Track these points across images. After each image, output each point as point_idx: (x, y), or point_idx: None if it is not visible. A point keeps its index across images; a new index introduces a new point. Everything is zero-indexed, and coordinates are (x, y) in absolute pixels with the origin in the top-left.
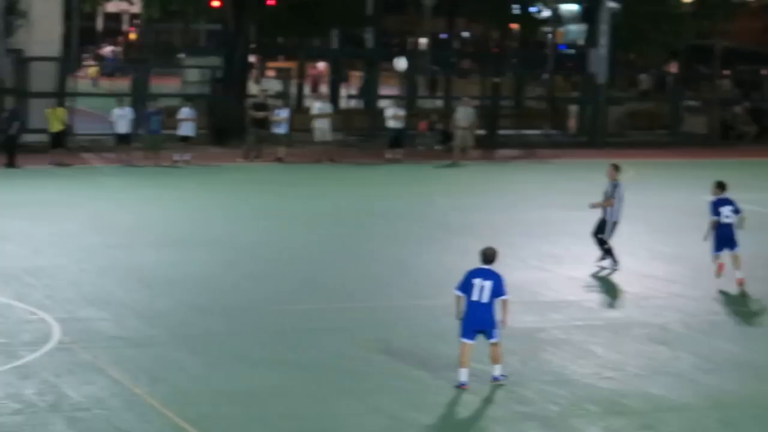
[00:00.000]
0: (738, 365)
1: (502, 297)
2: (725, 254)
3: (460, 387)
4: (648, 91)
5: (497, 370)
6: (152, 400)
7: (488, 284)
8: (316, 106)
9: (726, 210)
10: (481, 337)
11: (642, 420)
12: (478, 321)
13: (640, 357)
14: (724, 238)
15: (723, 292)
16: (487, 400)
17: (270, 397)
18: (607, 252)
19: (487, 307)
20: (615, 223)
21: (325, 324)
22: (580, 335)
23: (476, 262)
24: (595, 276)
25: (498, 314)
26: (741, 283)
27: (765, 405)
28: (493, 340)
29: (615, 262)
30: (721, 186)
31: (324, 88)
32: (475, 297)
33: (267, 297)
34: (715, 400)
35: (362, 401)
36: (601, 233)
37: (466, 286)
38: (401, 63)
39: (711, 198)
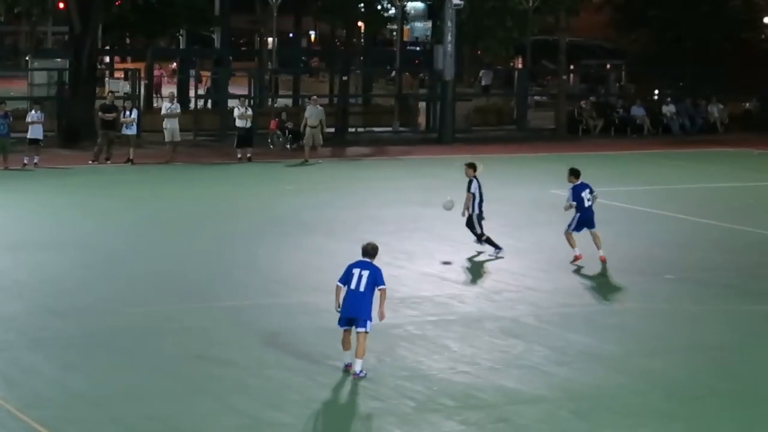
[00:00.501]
0: (590, 357)
1: (380, 286)
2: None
3: (346, 367)
4: (488, 87)
5: (358, 366)
6: (8, 404)
7: (366, 273)
8: (165, 107)
9: (586, 194)
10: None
11: (497, 413)
12: (352, 308)
13: (493, 351)
14: (585, 219)
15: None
16: (344, 397)
17: (128, 398)
18: (486, 242)
19: (363, 296)
20: (478, 215)
21: (181, 324)
22: (434, 330)
23: (326, 260)
24: (447, 270)
25: (375, 306)
26: (603, 260)
27: (617, 396)
28: (360, 330)
29: (497, 248)
30: (575, 173)
31: (171, 89)
32: (353, 286)
33: (122, 299)
34: (569, 391)
35: (220, 401)
36: (472, 227)
37: (346, 277)
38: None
39: (569, 185)
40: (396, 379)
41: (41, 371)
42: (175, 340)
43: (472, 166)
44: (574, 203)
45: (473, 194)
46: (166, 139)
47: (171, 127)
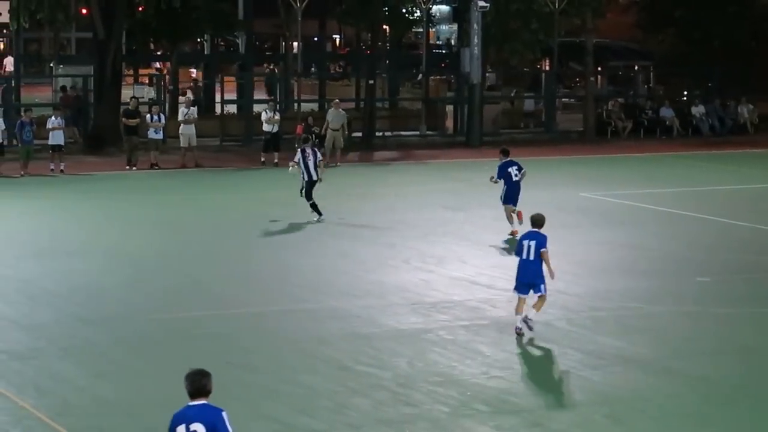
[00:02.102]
0: (623, 360)
1: (541, 249)
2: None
3: (517, 331)
4: (493, 88)
5: (532, 313)
6: (38, 412)
7: (533, 243)
8: (182, 112)
9: (513, 170)
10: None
11: (532, 418)
12: (528, 276)
13: (527, 355)
14: (513, 193)
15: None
16: (376, 403)
17: (158, 406)
18: (313, 207)
19: (534, 264)
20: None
21: (209, 331)
22: (466, 335)
23: (355, 264)
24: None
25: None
26: (515, 234)
27: (651, 399)
28: (538, 293)
29: (319, 215)
30: (504, 152)
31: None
32: (524, 256)
33: (150, 305)
34: (603, 395)
35: (250, 407)
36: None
37: (519, 249)
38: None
39: (499, 162)
40: (429, 385)
41: (71, 379)
42: (204, 346)
43: None
44: (500, 179)
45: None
46: (182, 144)
47: (188, 132)
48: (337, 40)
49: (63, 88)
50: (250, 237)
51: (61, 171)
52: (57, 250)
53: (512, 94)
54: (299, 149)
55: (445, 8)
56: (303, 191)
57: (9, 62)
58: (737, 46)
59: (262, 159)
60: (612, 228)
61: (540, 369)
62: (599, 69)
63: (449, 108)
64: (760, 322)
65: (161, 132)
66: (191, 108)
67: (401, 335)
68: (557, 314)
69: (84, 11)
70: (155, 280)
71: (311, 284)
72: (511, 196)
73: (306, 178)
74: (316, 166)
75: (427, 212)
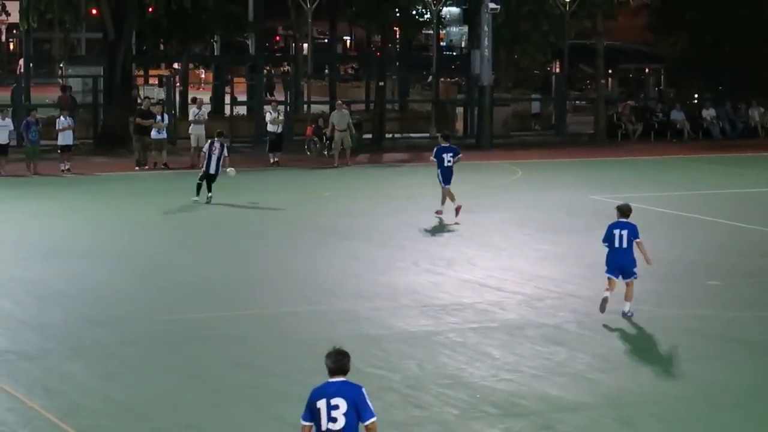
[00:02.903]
0: (633, 364)
1: (636, 239)
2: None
3: (603, 302)
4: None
5: (627, 307)
6: (48, 413)
7: (625, 232)
8: (192, 112)
9: (448, 156)
10: None
11: (541, 420)
12: (621, 263)
13: (536, 358)
14: (446, 175)
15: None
16: (386, 406)
17: (167, 407)
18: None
19: (627, 252)
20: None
21: (219, 332)
22: (475, 338)
23: (365, 266)
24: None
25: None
26: (440, 214)
27: (661, 402)
28: (628, 279)
29: (197, 195)
30: (444, 137)
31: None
32: (616, 245)
33: (160, 307)
34: (612, 398)
35: (260, 409)
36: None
37: (609, 237)
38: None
39: (437, 147)
40: (438, 387)
41: (81, 380)
42: (213, 348)
43: None
44: (435, 159)
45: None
46: (192, 144)
47: (197, 132)
48: (348, 42)
49: (63, 89)
50: (259, 238)
51: (68, 170)
52: (66, 251)
53: (509, 96)
54: (209, 141)
55: (455, 10)
56: (200, 177)
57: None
58: (748, 49)
59: (271, 160)
60: None
61: (550, 372)
62: (610, 71)
63: (459, 110)
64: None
65: (165, 132)
66: (202, 108)
67: (411, 337)
68: (567, 317)
69: (94, 12)
70: (165, 281)
71: (322, 286)
72: (445, 177)
73: (205, 169)
74: (219, 162)
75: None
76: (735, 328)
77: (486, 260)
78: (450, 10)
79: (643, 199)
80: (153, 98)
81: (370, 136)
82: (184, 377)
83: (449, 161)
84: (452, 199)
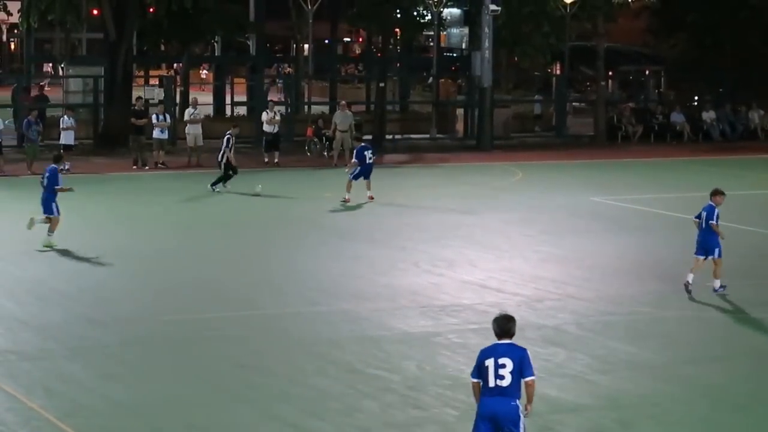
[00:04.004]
0: (633, 365)
1: (711, 221)
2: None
3: (687, 285)
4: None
5: (717, 284)
6: (47, 413)
7: (705, 214)
8: (188, 112)
9: (368, 153)
10: None
11: (540, 422)
12: (707, 244)
13: (536, 359)
14: (365, 171)
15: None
16: (386, 406)
17: (168, 407)
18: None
19: (706, 232)
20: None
21: (220, 332)
22: (475, 339)
23: (367, 267)
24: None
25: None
26: (347, 201)
27: (661, 404)
28: (710, 257)
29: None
30: (358, 138)
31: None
32: (704, 225)
33: (160, 307)
34: (612, 400)
35: (261, 410)
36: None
37: (699, 216)
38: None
39: (357, 148)
40: (438, 388)
41: (81, 380)
42: (214, 348)
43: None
44: (356, 160)
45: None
46: (188, 144)
47: (194, 132)
48: (348, 43)
49: (26, 88)
50: (260, 238)
51: (67, 170)
52: (67, 251)
53: (510, 98)
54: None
55: (456, 11)
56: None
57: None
58: (748, 51)
59: (266, 159)
60: (623, 233)
61: (549, 373)
62: (610, 73)
63: (460, 111)
64: None
65: (167, 132)
66: (197, 108)
67: (411, 338)
68: (567, 318)
69: (95, 12)
70: (165, 281)
71: (323, 286)
72: (362, 174)
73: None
74: (221, 153)
75: (437, 216)
76: (735, 330)
77: (486, 261)
78: (451, 12)
79: (644, 201)
80: (153, 98)
81: (370, 137)
82: (185, 377)
83: (370, 158)
84: (348, 189)
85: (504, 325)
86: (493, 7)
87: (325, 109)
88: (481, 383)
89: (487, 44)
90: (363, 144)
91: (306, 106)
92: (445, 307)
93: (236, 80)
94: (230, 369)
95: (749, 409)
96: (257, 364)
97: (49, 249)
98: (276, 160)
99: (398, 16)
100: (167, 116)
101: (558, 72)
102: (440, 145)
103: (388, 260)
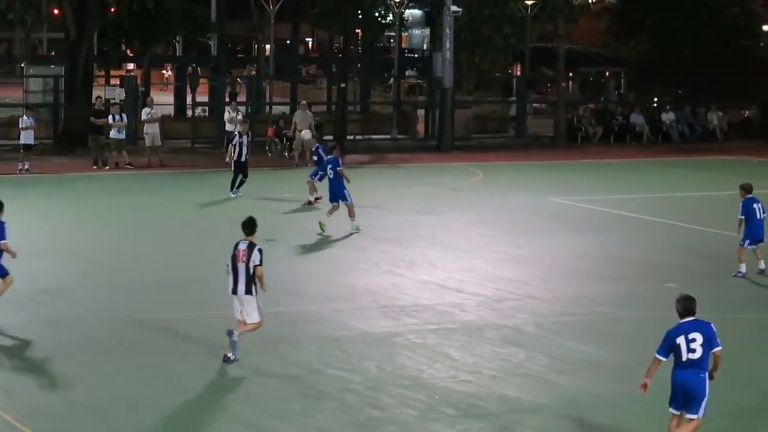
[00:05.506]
0: (592, 365)
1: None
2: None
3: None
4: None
5: (761, 264)
6: (7, 415)
7: (759, 206)
8: (145, 112)
9: (320, 151)
10: None
11: (499, 422)
12: (759, 233)
13: (495, 359)
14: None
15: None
16: (345, 406)
17: (128, 409)
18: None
19: (761, 223)
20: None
21: (181, 333)
22: (435, 339)
23: (328, 267)
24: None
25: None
26: (312, 203)
27: (619, 404)
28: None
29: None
30: (332, 149)
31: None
32: (758, 216)
33: (120, 307)
34: (571, 400)
35: (222, 411)
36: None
37: (751, 212)
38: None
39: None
40: (397, 388)
41: (40, 381)
42: (175, 349)
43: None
44: (315, 157)
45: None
46: (147, 144)
47: (152, 132)
48: (310, 44)
49: None
50: (221, 238)
51: (26, 170)
52: (25, 251)
53: (471, 98)
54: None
55: (417, 12)
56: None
57: None
58: (708, 54)
59: (227, 159)
60: (582, 233)
61: (508, 373)
62: (571, 75)
63: (421, 112)
64: (727, 328)
65: (124, 132)
66: (153, 107)
67: (371, 339)
68: (526, 319)
69: (56, 12)
70: (125, 282)
71: (284, 287)
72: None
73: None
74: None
75: (398, 216)
76: None
77: (447, 262)
78: (412, 13)
79: (603, 202)
80: (114, 98)
81: (331, 137)
82: (146, 378)
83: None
84: (312, 191)
85: (688, 305)
86: (454, 8)
87: (286, 109)
88: (673, 358)
89: (448, 45)
90: (319, 145)
91: (267, 107)
92: (405, 307)
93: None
94: (191, 370)
95: (708, 408)
96: (218, 365)
97: None
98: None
99: (360, 16)
100: (124, 116)
101: (519, 73)
102: (401, 146)
103: (349, 261)
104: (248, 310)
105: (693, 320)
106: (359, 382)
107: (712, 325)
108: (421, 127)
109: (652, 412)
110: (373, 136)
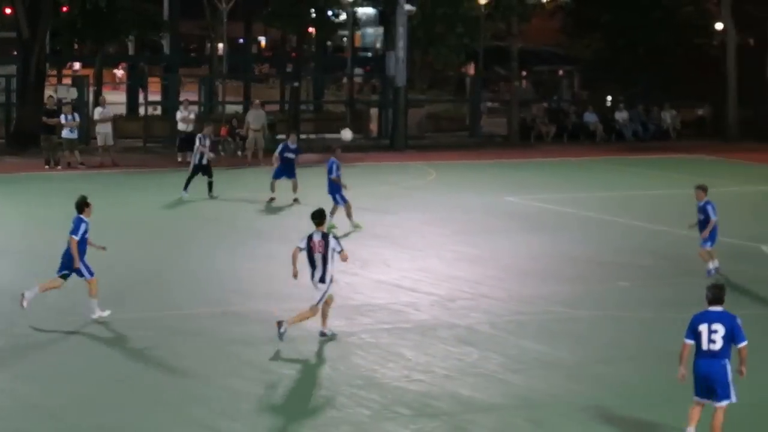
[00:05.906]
0: (545, 365)
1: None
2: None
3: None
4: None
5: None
6: None
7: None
8: (97, 111)
9: (288, 153)
10: None
11: (453, 421)
12: (715, 235)
13: (448, 358)
14: (281, 170)
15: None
16: (298, 406)
17: (81, 409)
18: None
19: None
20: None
21: (135, 333)
22: (388, 338)
23: (281, 267)
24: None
25: None
26: (272, 200)
27: (573, 403)
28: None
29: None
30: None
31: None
32: (715, 217)
33: (74, 308)
34: (524, 399)
35: (175, 411)
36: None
37: (712, 211)
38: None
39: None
40: (351, 388)
41: None
42: (128, 349)
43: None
44: (278, 156)
45: None
46: (99, 144)
47: (103, 131)
48: (263, 43)
49: None
50: (175, 238)
51: None
52: None
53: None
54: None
55: (371, 11)
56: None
57: None
58: (661, 52)
59: (179, 158)
60: (537, 232)
61: (462, 372)
62: (524, 73)
63: (374, 111)
64: (682, 327)
65: (76, 131)
66: (106, 107)
67: (324, 338)
68: (480, 318)
69: (8, 11)
70: (78, 282)
71: (238, 287)
72: (281, 173)
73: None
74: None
75: (352, 215)
76: (648, 329)
77: (401, 261)
78: (366, 11)
79: (557, 201)
80: (66, 98)
81: (284, 136)
82: (100, 378)
83: (287, 154)
84: (272, 190)
85: (717, 293)
86: (407, 7)
87: (240, 108)
88: (694, 348)
89: (401, 44)
90: (285, 144)
91: (220, 106)
92: (359, 306)
93: (151, 80)
94: (144, 370)
95: (661, 408)
96: (171, 365)
97: None
98: (189, 160)
99: (313, 15)
100: (76, 116)
101: (472, 72)
102: (354, 145)
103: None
104: (317, 296)
105: (720, 311)
106: (313, 382)
107: (738, 318)
108: (374, 127)
109: (607, 412)
110: (327, 136)
